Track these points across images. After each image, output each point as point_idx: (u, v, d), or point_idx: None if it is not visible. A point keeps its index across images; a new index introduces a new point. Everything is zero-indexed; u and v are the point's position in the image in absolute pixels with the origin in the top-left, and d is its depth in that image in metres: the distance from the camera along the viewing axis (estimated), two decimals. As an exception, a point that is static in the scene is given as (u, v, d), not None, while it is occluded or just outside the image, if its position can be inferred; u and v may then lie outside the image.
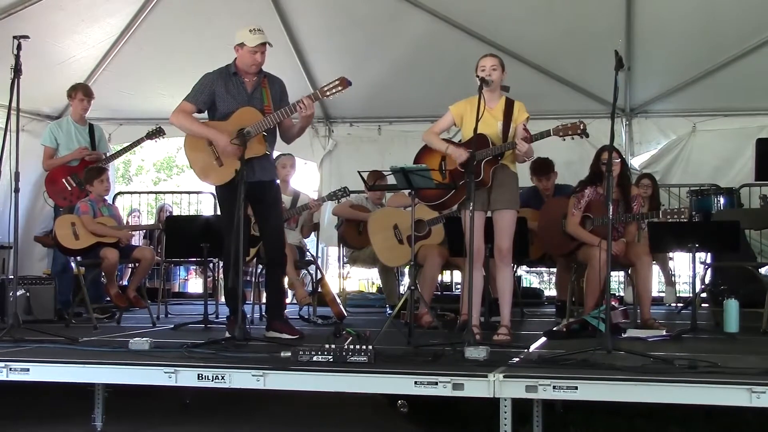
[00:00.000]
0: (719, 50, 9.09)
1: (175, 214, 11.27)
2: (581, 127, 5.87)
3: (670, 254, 9.04)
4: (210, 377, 4.48)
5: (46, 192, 8.18)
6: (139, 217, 11.48)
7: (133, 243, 8.43)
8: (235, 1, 9.07)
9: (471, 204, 5.32)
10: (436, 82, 9.60)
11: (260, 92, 6.14)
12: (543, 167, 8.14)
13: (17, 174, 6.00)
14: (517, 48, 9.23)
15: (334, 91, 5.97)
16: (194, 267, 11.96)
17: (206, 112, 6.20)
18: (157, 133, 8.31)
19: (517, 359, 4.89)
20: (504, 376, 4.15)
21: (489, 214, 6.04)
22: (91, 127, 8.30)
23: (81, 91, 8.25)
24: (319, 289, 8.13)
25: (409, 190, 6.14)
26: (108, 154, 8.51)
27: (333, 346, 4.62)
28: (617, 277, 9.82)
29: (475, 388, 4.17)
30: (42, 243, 9.64)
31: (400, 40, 9.58)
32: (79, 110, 8.22)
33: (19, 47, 6.01)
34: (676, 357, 4.66)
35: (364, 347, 4.58)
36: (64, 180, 8.04)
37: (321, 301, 8.10)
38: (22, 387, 4.87)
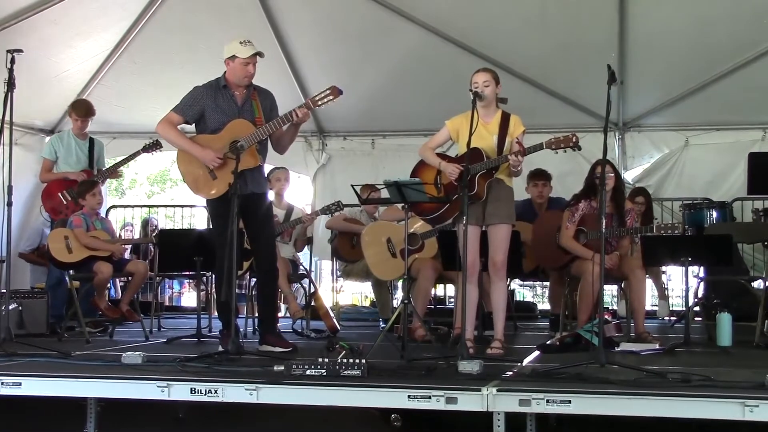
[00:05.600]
0: (712, 65, 9.13)
1: (168, 228, 11.26)
2: (573, 140, 5.88)
3: (663, 268, 9.05)
4: (203, 391, 4.47)
5: (43, 206, 8.17)
6: (132, 231, 11.45)
7: (125, 257, 8.42)
8: (228, 14, 9.10)
9: (465, 218, 5.31)
10: (430, 96, 9.62)
11: (251, 105, 6.14)
12: (540, 173, 8.20)
13: (10, 188, 5.99)
14: (511, 62, 9.25)
15: (325, 100, 5.98)
16: (188, 281, 11.93)
17: (194, 125, 6.21)
18: (153, 146, 8.29)
19: (511, 373, 4.90)
20: (497, 390, 4.15)
21: (484, 228, 6.05)
22: (91, 142, 8.27)
23: (74, 112, 8.23)
24: (313, 303, 8.12)
25: (403, 204, 6.15)
26: (105, 169, 8.49)
27: (326, 359, 4.61)
28: (610, 291, 9.81)
29: (468, 401, 4.16)
30: (26, 259, 9.61)
31: (394, 54, 9.60)
32: (76, 128, 8.20)
33: (12, 61, 6.01)
34: (669, 370, 4.67)
35: (357, 361, 4.58)
36: (60, 194, 8.04)
37: (314, 315, 8.09)
38: (13, 401, 4.84)
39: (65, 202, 8.01)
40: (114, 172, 8.54)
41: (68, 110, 8.31)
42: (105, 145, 8.69)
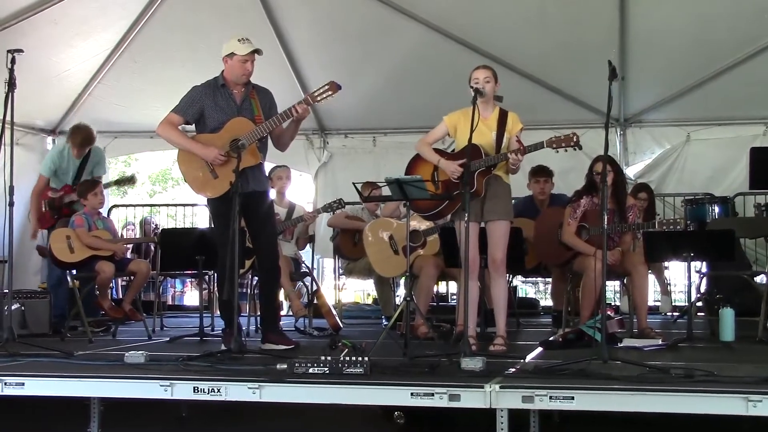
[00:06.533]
0: (712, 60, 9.12)
1: (170, 227, 11.26)
2: (574, 139, 5.88)
3: (666, 263, 9.05)
4: (206, 390, 4.46)
5: (31, 213, 8.19)
6: (134, 231, 11.45)
7: (127, 256, 8.42)
8: (229, 13, 9.09)
9: (467, 215, 5.30)
10: (431, 93, 9.60)
11: (249, 103, 6.14)
12: (541, 170, 8.18)
13: (12, 188, 5.99)
14: (512, 58, 9.25)
15: (324, 95, 5.96)
16: (190, 279, 11.94)
17: (194, 125, 6.21)
18: (128, 180, 8.33)
19: (514, 370, 4.90)
20: (500, 387, 4.14)
21: (483, 224, 6.05)
22: (86, 155, 8.21)
23: (71, 139, 8.14)
24: (315, 301, 8.12)
25: (404, 202, 6.14)
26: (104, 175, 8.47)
27: (329, 357, 4.61)
28: (613, 287, 9.82)
29: (471, 398, 4.16)
30: (41, 252, 9.61)
31: (395, 52, 9.59)
32: (74, 150, 8.14)
33: (13, 61, 6.00)
34: (672, 366, 4.66)
35: (360, 359, 4.57)
36: (43, 202, 8.06)
37: (317, 313, 8.09)
38: (17, 401, 4.84)
39: (42, 210, 8.05)
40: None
41: (68, 134, 8.25)
42: (106, 145, 8.66)
